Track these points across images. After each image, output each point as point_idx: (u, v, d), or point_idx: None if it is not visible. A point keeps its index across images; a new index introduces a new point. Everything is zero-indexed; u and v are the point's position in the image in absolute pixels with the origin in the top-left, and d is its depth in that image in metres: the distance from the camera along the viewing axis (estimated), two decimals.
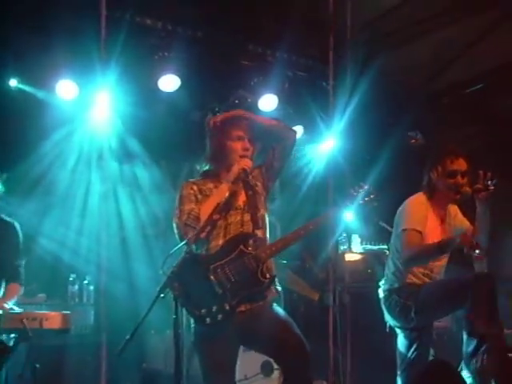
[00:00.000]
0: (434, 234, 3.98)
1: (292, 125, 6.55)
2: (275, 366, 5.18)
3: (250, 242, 3.21)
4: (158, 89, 5.72)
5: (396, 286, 4.01)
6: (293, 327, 3.19)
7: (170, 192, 6.45)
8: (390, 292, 4.04)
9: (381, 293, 4.15)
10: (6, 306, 3.30)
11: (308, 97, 6.40)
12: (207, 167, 3.48)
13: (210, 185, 3.36)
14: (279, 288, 3.39)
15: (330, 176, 6.32)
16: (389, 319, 4.12)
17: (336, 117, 6.39)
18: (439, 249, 3.81)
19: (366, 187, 3.37)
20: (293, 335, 3.15)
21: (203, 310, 3.06)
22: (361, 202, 3.34)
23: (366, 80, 5.85)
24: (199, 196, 3.30)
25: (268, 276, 3.18)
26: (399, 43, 5.89)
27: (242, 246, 3.17)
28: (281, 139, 3.43)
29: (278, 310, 3.27)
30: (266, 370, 5.22)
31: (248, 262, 3.14)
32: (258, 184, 3.43)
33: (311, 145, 6.71)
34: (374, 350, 5.62)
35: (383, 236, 5.78)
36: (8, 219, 3.63)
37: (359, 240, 6.28)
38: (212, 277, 3.10)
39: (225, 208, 3.20)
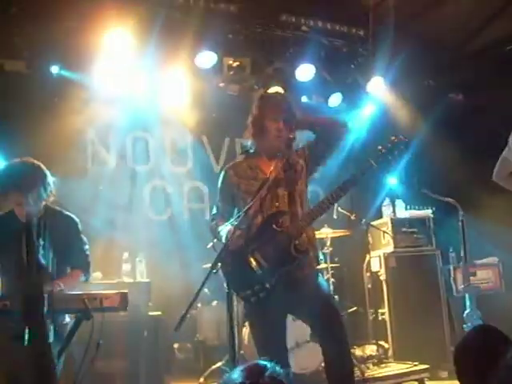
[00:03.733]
0: None
1: (330, 92, 6.59)
2: None
3: (283, 219, 3.27)
4: (195, 66, 5.77)
5: None
6: (329, 300, 3.37)
7: (212, 167, 6.57)
8: None
9: None
10: (57, 287, 3.32)
11: (345, 63, 6.36)
12: (250, 145, 3.50)
13: (244, 165, 3.44)
14: (320, 261, 3.49)
15: (371, 141, 6.29)
16: None
17: (375, 81, 6.35)
18: None
19: (397, 139, 3.24)
20: (327, 307, 3.27)
21: (248, 291, 3.19)
22: (390, 157, 3.23)
23: (405, 43, 5.76)
24: (235, 189, 3.38)
25: (302, 249, 3.25)
26: (436, 3, 5.77)
27: (274, 225, 3.26)
28: (328, 135, 3.39)
29: (319, 282, 3.37)
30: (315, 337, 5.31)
31: (280, 239, 3.23)
32: (300, 162, 3.44)
33: (351, 111, 6.68)
34: (421, 314, 5.66)
35: (427, 200, 5.75)
36: (68, 213, 3.65)
37: (403, 205, 6.26)
38: (251, 259, 3.22)
39: (273, 184, 3.27)
